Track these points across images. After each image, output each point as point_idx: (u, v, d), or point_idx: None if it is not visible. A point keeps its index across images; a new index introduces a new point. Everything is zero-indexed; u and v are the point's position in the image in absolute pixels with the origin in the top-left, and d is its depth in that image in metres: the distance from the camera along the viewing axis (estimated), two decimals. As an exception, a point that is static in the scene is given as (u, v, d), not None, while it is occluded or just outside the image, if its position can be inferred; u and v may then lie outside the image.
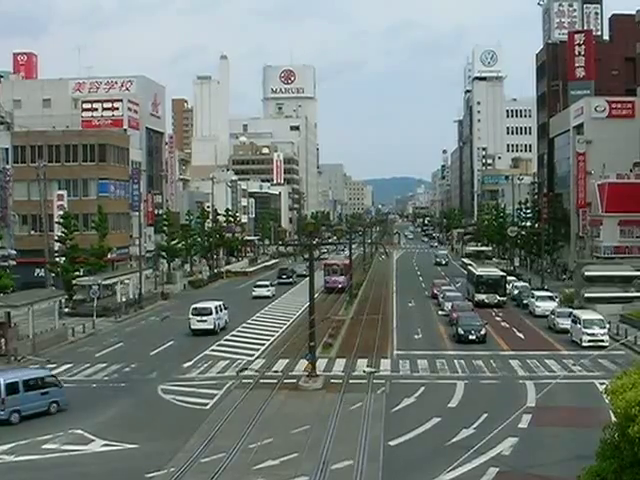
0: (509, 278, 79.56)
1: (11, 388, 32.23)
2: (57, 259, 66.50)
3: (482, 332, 48.17)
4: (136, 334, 55.72)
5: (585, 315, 48.67)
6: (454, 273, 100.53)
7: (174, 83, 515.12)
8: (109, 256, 73.19)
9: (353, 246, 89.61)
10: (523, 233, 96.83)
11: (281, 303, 71.82)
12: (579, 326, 47.22)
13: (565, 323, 51.25)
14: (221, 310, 55.79)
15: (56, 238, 67.04)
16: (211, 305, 55.16)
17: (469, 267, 77.57)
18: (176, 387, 37.57)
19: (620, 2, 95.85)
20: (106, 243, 70.23)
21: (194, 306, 54.94)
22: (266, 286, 76.85)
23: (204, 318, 53.85)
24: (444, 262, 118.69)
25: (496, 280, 67.04)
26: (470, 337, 47.65)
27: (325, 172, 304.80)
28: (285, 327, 56.95)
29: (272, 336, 53.25)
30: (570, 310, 54.43)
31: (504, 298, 65.89)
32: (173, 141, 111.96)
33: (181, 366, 42.62)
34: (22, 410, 32.40)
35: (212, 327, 53.53)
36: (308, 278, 42.06)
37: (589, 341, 45.95)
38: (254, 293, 75.41)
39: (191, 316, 54.22)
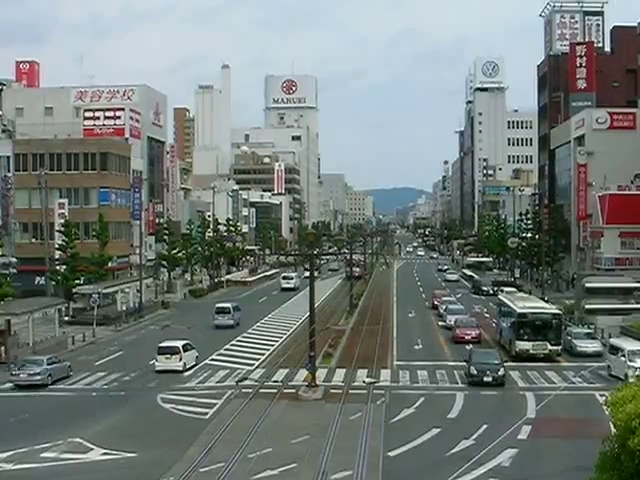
0: (508, 289, 79.29)
1: (232, 309, 62.59)
2: (58, 267, 66.52)
3: (500, 372, 39.16)
4: (136, 343, 55.69)
5: (629, 345, 41.30)
6: (455, 283, 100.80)
7: (176, 92, 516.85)
8: (109, 265, 73.15)
9: (354, 256, 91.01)
10: (524, 244, 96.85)
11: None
12: (623, 359, 39.69)
13: (583, 346, 47.16)
14: (298, 277, 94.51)
15: (57, 246, 67.12)
16: (293, 274, 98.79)
17: (503, 299, 55.66)
18: (176, 396, 37.52)
19: (621, 14, 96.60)
20: (107, 252, 70.27)
21: (283, 275, 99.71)
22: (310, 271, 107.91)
23: (289, 281, 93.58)
24: (491, 291, 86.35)
25: (546, 321, 46.54)
26: (485, 379, 38.78)
27: (326, 182, 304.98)
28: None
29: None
30: (589, 331, 51.36)
31: (559, 347, 46.27)
32: (174, 150, 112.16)
33: (181, 375, 42.58)
34: (235, 320, 61.82)
35: (293, 287, 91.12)
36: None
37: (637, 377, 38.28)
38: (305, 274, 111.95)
39: (282, 280, 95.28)
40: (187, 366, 44.29)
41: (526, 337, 46.02)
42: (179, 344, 44.99)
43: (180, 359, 43.81)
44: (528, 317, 46.74)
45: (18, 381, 40.16)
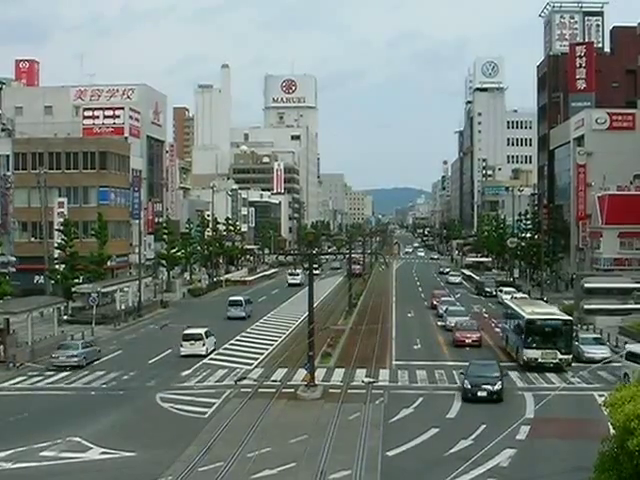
0: (507, 289, 79.33)
1: (244, 302, 67.38)
2: (57, 266, 66.50)
3: (496, 387, 36.08)
4: (135, 342, 55.69)
5: None
6: (457, 285, 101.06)
7: (176, 91, 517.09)
8: (109, 264, 73.21)
9: (354, 256, 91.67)
10: (523, 244, 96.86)
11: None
12: None
13: (592, 352, 44.84)
14: (303, 274, 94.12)
15: (56, 245, 67.09)
16: (299, 271, 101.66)
17: (509, 303, 53.61)
18: (174, 395, 37.53)
19: (621, 14, 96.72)
20: (106, 251, 70.23)
21: (289, 272, 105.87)
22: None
23: (295, 277, 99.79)
24: (493, 292, 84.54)
25: (556, 328, 43.72)
26: (480, 394, 35.86)
27: (325, 182, 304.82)
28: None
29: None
30: (597, 336, 49.69)
31: (569, 356, 43.28)
32: (174, 149, 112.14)
33: (180, 374, 42.60)
34: (247, 312, 66.20)
35: (299, 282, 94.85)
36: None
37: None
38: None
39: (288, 276, 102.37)
40: (208, 351, 48.55)
41: (535, 345, 43.25)
42: (202, 331, 49.38)
43: (203, 344, 48.32)
44: (537, 323, 43.96)
45: (57, 363, 44.52)
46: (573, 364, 43.48)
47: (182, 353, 47.81)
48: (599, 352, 44.63)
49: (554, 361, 42.82)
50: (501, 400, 35.76)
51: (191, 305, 78.66)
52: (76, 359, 44.75)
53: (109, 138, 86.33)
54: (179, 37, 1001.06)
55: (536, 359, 42.92)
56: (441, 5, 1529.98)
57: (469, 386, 36.27)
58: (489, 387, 35.93)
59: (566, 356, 42.97)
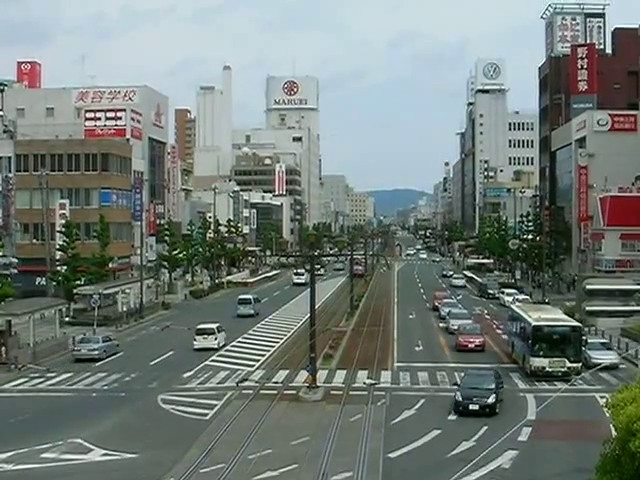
0: (509, 291, 79.31)
1: (253, 300, 70.43)
2: (58, 268, 66.56)
3: (490, 400, 33.67)
4: (136, 344, 55.72)
5: None
6: (453, 283, 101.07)
7: (177, 93, 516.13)
8: (110, 265, 73.17)
9: (355, 257, 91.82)
10: (524, 246, 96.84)
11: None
12: None
13: (599, 357, 42.41)
14: (307, 274, 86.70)
15: (58, 247, 67.19)
16: (303, 270, 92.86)
17: (515, 309, 50.88)
18: (176, 397, 37.52)
19: (623, 16, 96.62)
20: (107, 252, 70.28)
21: (295, 271, 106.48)
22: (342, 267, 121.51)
23: (300, 277, 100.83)
24: (496, 294, 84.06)
25: (564, 334, 41.79)
26: (471, 407, 33.55)
27: (327, 183, 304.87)
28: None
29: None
30: (605, 340, 48.33)
31: (579, 364, 40.86)
32: (175, 151, 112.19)
33: (181, 376, 42.59)
34: (255, 310, 68.93)
35: (304, 282, 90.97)
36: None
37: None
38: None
39: (293, 275, 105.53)
40: (220, 344, 51.42)
41: (542, 353, 41.13)
42: (214, 326, 52.18)
43: (215, 338, 51.14)
44: (544, 330, 41.73)
45: (79, 355, 47.67)
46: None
47: (195, 347, 50.25)
48: (606, 357, 42.71)
49: (563, 370, 40.69)
50: (495, 414, 33.50)
51: (193, 307, 78.68)
52: (97, 352, 47.69)
53: (111, 140, 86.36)
54: (179, 37, 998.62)
55: (544, 368, 40.99)
56: (441, 5, 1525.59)
57: (460, 398, 34.06)
58: (481, 400, 33.67)
59: (575, 364, 40.79)
